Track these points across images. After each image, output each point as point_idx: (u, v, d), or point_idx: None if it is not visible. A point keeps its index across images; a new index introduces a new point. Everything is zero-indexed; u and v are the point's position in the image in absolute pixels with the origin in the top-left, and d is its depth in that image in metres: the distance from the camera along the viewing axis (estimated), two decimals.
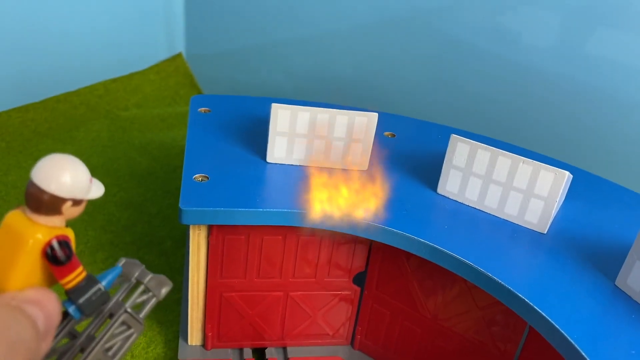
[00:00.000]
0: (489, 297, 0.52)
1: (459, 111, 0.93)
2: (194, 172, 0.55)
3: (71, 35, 1.04)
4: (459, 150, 0.55)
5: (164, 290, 0.32)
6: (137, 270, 0.33)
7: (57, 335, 0.30)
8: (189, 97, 1.18)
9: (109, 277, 0.30)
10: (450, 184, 0.56)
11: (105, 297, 0.29)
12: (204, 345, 0.60)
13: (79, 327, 0.31)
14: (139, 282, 0.32)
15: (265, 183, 0.56)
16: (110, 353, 0.30)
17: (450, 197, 0.56)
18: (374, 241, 0.56)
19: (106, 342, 0.30)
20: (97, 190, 0.29)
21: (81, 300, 0.28)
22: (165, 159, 0.97)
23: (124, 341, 0.31)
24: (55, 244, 0.27)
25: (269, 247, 0.55)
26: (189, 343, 0.59)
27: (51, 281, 0.29)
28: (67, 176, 0.27)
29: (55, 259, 0.27)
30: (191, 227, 0.53)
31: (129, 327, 0.31)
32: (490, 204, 0.54)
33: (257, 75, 1.15)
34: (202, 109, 0.68)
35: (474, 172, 0.55)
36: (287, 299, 0.58)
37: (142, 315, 0.32)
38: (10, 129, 0.96)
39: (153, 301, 0.32)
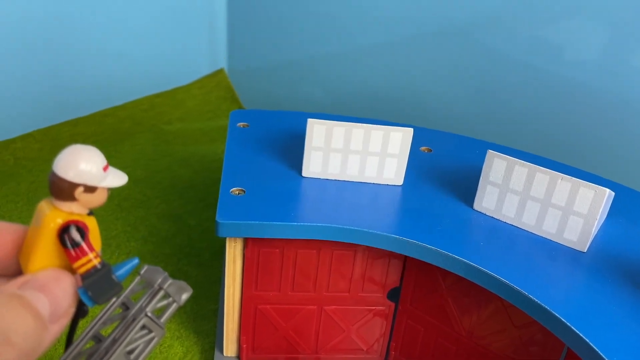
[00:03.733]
0: (526, 317, 0.51)
1: (498, 126, 0.92)
2: (231, 185, 0.56)
3: (118, 51, 1.08)
4: (496, 166, 0.54)
5: (185, 296, 0.33)
6: (160, 277, 0.33)
7: (83, 337, 0.31)
8: (229, 112, 1.20)
9: (125, 268, 0.31)
10: (486, 200, 0.56)
11: (117, 287, 0.30)
12: (239, 356, 0.60)
13: (105, 332, 0.33)
14: (160, 288, 0.33)
15: (300, 197, 0.57)
16: (132, 356, 0.31)
17: (487, 214, 0.56)
18: (409, 256, 0.56)
19: (127, 345, 0.31)
20: (114, 179, 0.30)
21: (91, 287, 0.29)
22: (206, 172, 0.99)
23: (145, 345, 0.32)
24: (67, 227, 0.29)
25: (303, 261, 0.56)
26: (224, 354, 0.60)
27: (70, 267, 0.30)
28: (77, 163, 0.28)
29: (66, 241, 0.29)
30: (227, 239, 0.54)
31: (150, 331, 0.32)
32: (528, 221, 0.54)
33: (297, 90, 1.17)
34: (241, 124, 0.70)
35: (511, 188, 0.54)
36: (321, 313, 0.59)
37: (162, 320, 0.32)
38: (61, 142, 1.00)
39: (174, 306, 0.33)
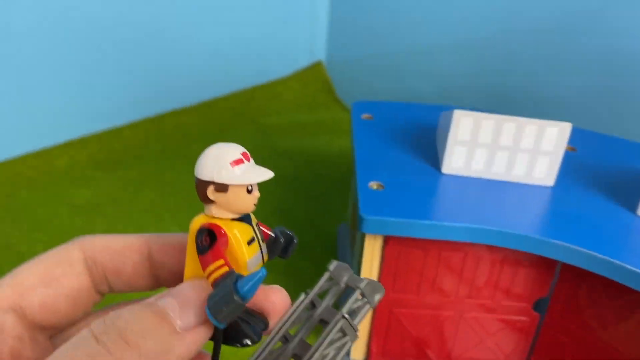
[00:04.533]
0: None
1: (634, 124, 0.85)
2: (368, 179, 0.53)
3: (221, 44, 1.07)
4: None
5: (377, 297, 0.30)
6: (346, 274, 0.30)
7: (273, 337, 0.29)
8: (327, 105, 1.18)
9: (249, 284, 0.25)
10: None
11: (235, 306, 0.24)
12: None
13: (292, 331, 0.30)
14: (349, 287, 0.30)
15: (443, 195, 0.53)
16: None
17: None
18: (562, 266, 0.51)
19: (324, 349, 0.28)
20: (246, 176, 0.26)
21: (210, 303, 0.24)
22: (308, 165, 0.97)
23: (338, 350, 0.29)
24: (199, 231, 0.26)
25: (446, 264, 0.52)
26: (351, 357, 0.57)
27: None
28: (203, 159, 0.26)
29: (198, 246, 0.25)
30: (367, 236, 0.51)
31: (345, 335, 0.29)
32: None
33: (399, 83, 1.13)
34: (365, 115, 0.66)
35: None
36: (459, 320, 0.55)
37: (355, 322, 0.29)
38: (166, 131, 1.00)
39: (366, 308, 0.30)
